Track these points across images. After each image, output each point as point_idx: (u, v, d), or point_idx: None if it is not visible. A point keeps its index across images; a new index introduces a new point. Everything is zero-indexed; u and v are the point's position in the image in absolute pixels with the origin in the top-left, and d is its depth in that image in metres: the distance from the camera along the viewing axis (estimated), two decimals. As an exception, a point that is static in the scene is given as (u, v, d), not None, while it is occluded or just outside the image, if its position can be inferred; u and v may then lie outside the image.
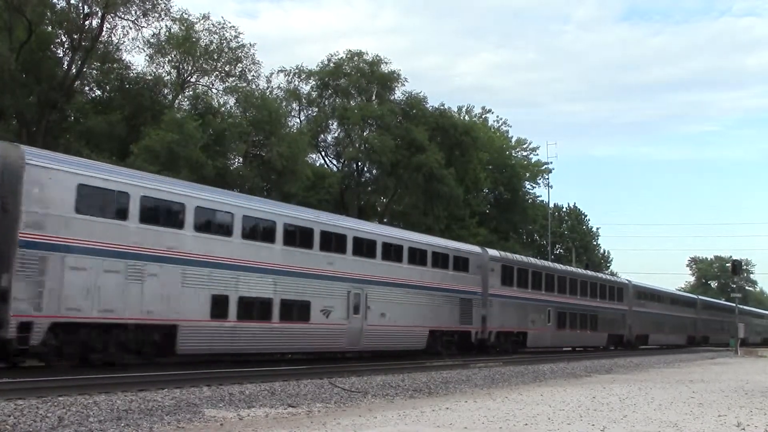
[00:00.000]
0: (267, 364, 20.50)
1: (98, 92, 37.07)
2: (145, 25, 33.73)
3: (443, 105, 50.32)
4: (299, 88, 46.57)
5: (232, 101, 37.74)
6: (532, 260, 35.93)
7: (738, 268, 57.91)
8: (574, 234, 77.57)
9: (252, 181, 34.71)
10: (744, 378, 20.30)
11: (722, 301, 76.22)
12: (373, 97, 47.21)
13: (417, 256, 25.48)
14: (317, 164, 47.83)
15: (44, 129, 31.64)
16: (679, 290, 75.85)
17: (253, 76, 39.22)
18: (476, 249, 30.38)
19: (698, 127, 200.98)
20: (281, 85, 45.20)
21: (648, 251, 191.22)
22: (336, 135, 47.33)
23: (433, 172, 43.95)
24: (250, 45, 38.39)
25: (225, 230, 18.52)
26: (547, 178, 66.81)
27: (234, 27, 38.10)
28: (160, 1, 33.17)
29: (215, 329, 17.97)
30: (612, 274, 67.61)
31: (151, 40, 36.37)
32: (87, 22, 32.45)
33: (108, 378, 14.01)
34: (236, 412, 10.48)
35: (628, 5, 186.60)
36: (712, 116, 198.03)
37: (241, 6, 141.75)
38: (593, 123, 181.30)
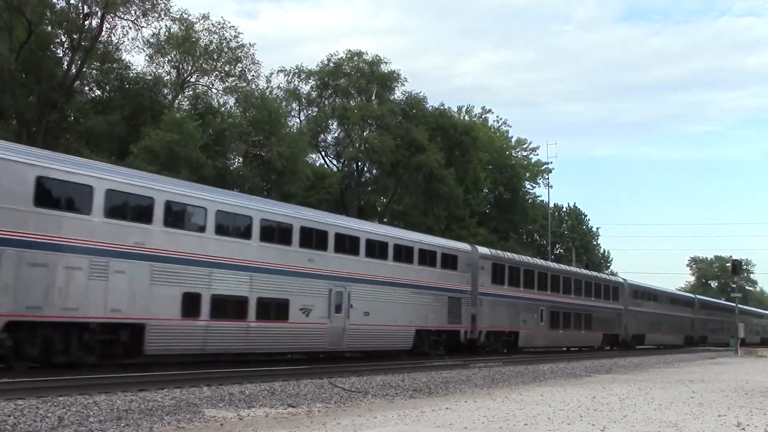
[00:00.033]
0: (267, 364, 20.51)
1: (98, 92, 37.15)
2: (145, 25, 33.83)
3: (443, 105, 50.45)
4: (299, 88, 46.66)
5: (232, 101, 37.84)
6: (524, 258, 35.19)
7: (738, 268, 57.87)
8: (574, 234, 77.59)
9: (252, 181, 34.72)
10: (744, 378, 20.30)
11: (720, 301, 76.05)
12: (373, 97, 47.23)
13: (403, 253, 24.77)
14: (317, 164, 47.90)
15: (44, 129, 31.67)
16: (679, 290, 75.79)
17: (253, 76, 39.34)
18: (465, 246, 29.66)
19: (698, 127, 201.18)
20: (281, 85, 45.33)
21: (648, 251, 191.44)
22: (336, 135, 47.43)
23: (433, 172, 43.96)
24: (250, 45, 38.52)
25: (197, 226, 17.82)
26: (547, 178, 66.93)
27: (234, 27, 38.23)
28: (160, 1, 33.25)
29: (186, 329, 17.27)
30: (612, 273, 67.54)
31: (151, 40, 36.47)
32: (87, 22, 32.52)
33: (108, 378, 14.01)
34: (236, 412, 10.48)
35: (628, 5, 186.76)
36: (712, 116, 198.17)
37: (241, 6, 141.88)
38: (593, 123, 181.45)
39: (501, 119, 66.51)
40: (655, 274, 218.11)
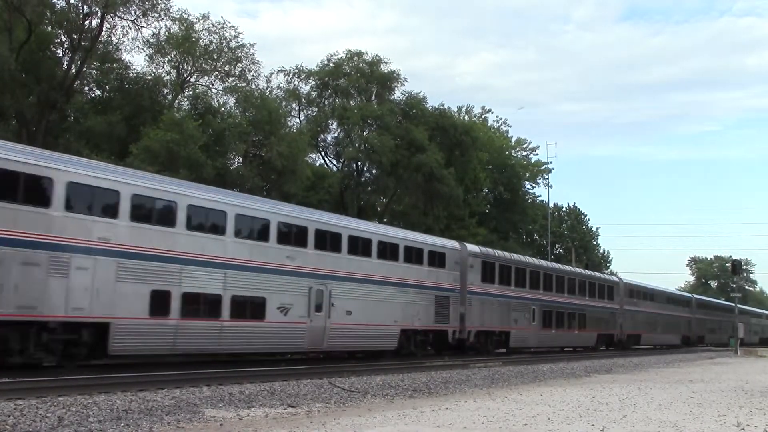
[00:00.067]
0: (267, 363, 20.52)
1: (98, 92, 37.13)
2: (145, 25, 33.80)
3: (443, 105, 50.50)
4: (299, 88, 46.64)
5: (231, 101, 37.83)
6: (515, 256, 34.33)
7: (738, 268, 57.84)
8: (574, 234, 77.63)
9: (252, 181, 34.71)
10: (744, 378, 20.31)
11: (718, 300, 75.81)
12: (373, 97, 47.24)
13: (387, 251, 24.04)
14: (317, 164, 47.89)
15: (44, 129, 31.67)
16: (679, 290, 75.69)
17: (253, 76, 39.33)
18: (454, 244, 28.92)
19: (698, 127, 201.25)
20: (281, 85, 45.32)
21: (648, 251, 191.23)
22: (336, 135, 47.40)
23: (433, 172, 43.95)
24: (250, 45, 38.49)
25: (167, 220, 17.13)
26: (547, 178, 66.94)
27: (234, 27, 38.22)
28: (160, 1, 33.21)
29: (155, 328, 16.54)
30: (612, 273, 67.53)
31: (151, 40, 36.43)
32: (87, 22, 32.50)
33: (108, 378, 14.02)
34: (236, 412, 10.48)
35: (628, 5, 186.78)
36: (712, 116, 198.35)
37: (241, 6, 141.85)
38: (593, 123, 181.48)
39: (501, 119, 66.63)
40: (655, 274, 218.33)
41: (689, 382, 18.04)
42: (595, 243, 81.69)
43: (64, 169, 15.14)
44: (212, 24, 37.63)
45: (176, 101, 37.40)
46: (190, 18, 37.19)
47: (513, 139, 66.56)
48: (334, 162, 49.10)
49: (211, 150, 32.32)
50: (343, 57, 46.25)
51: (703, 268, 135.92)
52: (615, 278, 46.38)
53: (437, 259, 26.64)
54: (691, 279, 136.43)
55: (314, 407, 11.37)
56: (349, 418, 9.92)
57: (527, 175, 65.63)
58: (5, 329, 14.22)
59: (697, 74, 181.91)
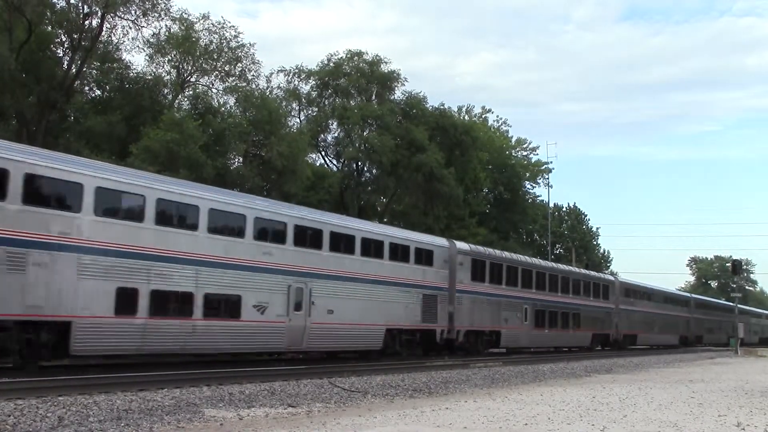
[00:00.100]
0: (267, 363, 20.53)
1: (98, 92, 37.17)
2: (145, 25, 33.82)
3: (443, 105, 50.52)
4: (299, 88, 46.67)
5: (232, 101, 37.86)
6: (506, 254, 33.28)
7: (738, 268, 57.70)
8: (574, 234, 77.65)
9: (252, 181, 34.73)
10: (744, 378, 20.30)
11: (717, 300, 75.45)
12: (373, 97, 47.26)
13: (372, 248, 23.24)
14: (317, 164, 47.93)
15: (44, 129, 31.68)
16: (679, 290, 75.60)
17: (253, 76, 39.37)
18: (442, 241, 28.15)
19: (698, 127, 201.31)
20: (281, 85, 45.35)
21: (648, 251, 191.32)
22: (336, 135, 47.43)
23: (433, 171, 43.96)
24: (250, 45, 38.54)
25: (134, 215, 16.35)
26: (547, 178, 66.99)
27: (234, 27, 38.26)
28: (160, 1, 33.24)
29: (120, 327, 15.74)
30: (612, 273, 67.49)
31: (151, 40, 36.46)
32: (87, 22, 32.51)
33: (108, 378, 14.02)
34: (236, 412, 10.48)
35: (628, 5, 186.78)
36: (712, 116, 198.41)
37: (241, 6, 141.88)
38: (593, 123, 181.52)
39: (501, 119, 66.72)
40: (655, 274, 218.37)
41: (689, 382, 18.03)
42: (595, 243, 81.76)
43: (21, 160, 14.46)
44: (212, 24, 37.73)
45: (176, 101, 37.42)
46: (190, 18, 37.30)
47: (513, 139, 66.69)
48: (334, 162, 49.18)
49: (211, 150, 32.34)
50: (343, 57, 46.32)
51: (703, 268, 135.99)
52: (610, 277, 45.72)
53: (424, 256, 25.90)
54: (692, 279, 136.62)
55: (314, 407, 11.37)
56: (350, 418, 9.92)
57: (527, 175, 65.67)
58: None
59: (697, 74, 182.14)
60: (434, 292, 26.07)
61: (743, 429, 9.67)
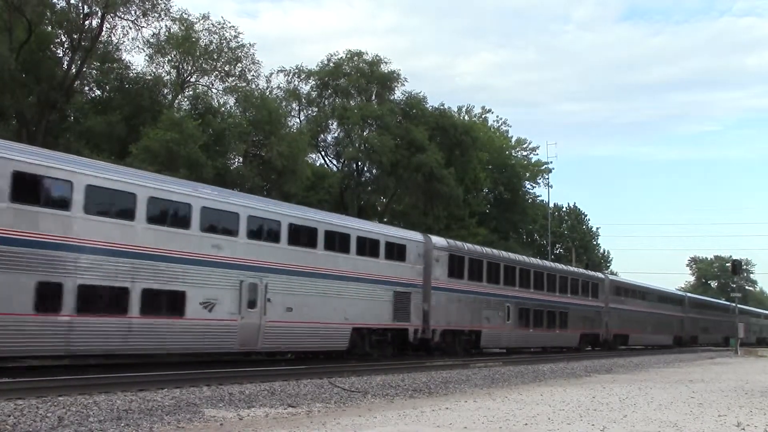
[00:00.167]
0: (267, 363, 20.53)
1: (98, 92, 37.18)
2: (145, 25, 33.85)
3: (443, 105, 50.60)
4: (299, 88, 46.73)
5: (231, 101, 37.90)
6: (487, 250, 31.76)
7: (738, 268, 57.57)
8: (574, 234, 77.68)
9: (252, 181, 34.75)
10: (744, 378, 20.31)
11: (713, 299, 74.78)
12: (373, 97, 47.29)
13: (337, 241, 21.91)
14: (317, 164, 47.97)
15: (44, 129, 31.69)
16: (679, 290, 75.41)
17: (253, 76, 39.39)
18: (416, 236, 26.69)
19: (698, 127, 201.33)
20: (281, 85, 45.41)
21: (648, 251, 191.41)
22: (336, 135, 47.48)
23: (433, 172, 43.98)
24: (250, 45, 38.56)
25: (59, 203, 14.91)
26: (547, 178, 67.02)
27: (234, 27, 38.28)
28: (160, 1, 33.27)
29: (41, 325, 14.37)
30: (612, 273, 67.41)
31: (151, 40, 36.48)
32: (87, 22, 32.54)
33: (108, 378, 14.02)
34: (236, 412, 10.48)
35: (628, 5, 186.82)
36: (712, 116, 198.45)
37: (241, 6, 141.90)
38: (593, 123, 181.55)
39: (501, 119, 66.76)
40: (655, 274, 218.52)
41: (689, 382, 18.04)
42: (595, 243, 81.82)
43: None
44: (212, 24, 37.75)
45: (176, 101, 37.44)
46: (190, 18, 37.32)
47: (513, 139, 66.75)
48: (334, 162, 49.22)
49: (211, 150, 32.35)
50: (343, 57, 46.36)
51: (703, 268, 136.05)
52: (600, 275, 44.44)
53: (396, 251, 24.53)
54: (692, 279, 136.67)
55: (314, 407, 11.37)
56: (350, 418, 9.92)
57: (527, 175, 65.71)
58: None
59: (697, 74, 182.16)
60: (407, 289, 24.80)
61: (743, 429, 9.67)
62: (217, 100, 37.36)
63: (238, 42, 38.06)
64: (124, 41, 34.64)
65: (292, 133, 39.60)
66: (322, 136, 47.24)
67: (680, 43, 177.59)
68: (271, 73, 44.43)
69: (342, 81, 46.13)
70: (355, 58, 46.36)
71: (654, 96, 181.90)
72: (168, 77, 37.98)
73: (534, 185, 67.22)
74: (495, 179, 58.26)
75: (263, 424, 9.23)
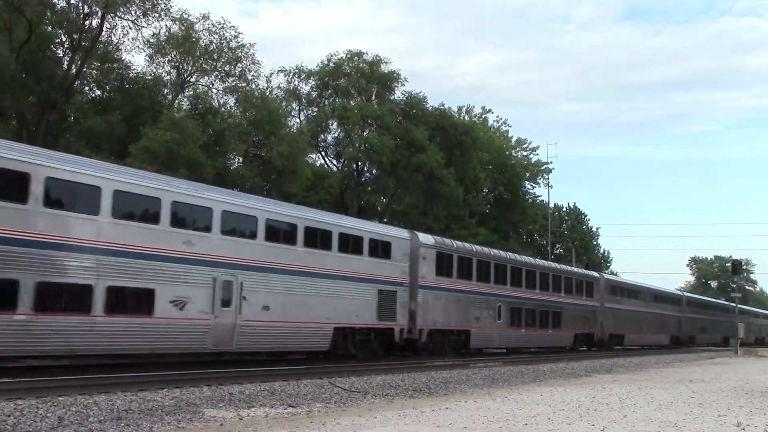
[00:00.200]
0: (267, 363, 20.52)
1: (98, 92, 37.24)
2: (145, 25, 33.89)
3: (443, 105, 50.61)
4: (299, 88, 46.75)
5: (232, 101, 37.92)
6: (477, 248, 30.85)
7: (738, 268, 57.46)
8: (574, 234, 77.67)
9: (252, 181, 34.76)
10: (744, 378, 20.31)
11: (711, 299, 74.53)
12: (373, 97, 47.30)
13: (318, 238, 21.14)
14: (317, 164, 47.99)
15: (44, 129, 31.71)
16: (679, 290, 75.34)
17: (253, 76, 39.45)
18: (402, 233, 25.98)
19: (698, 127, 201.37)
20: (281, 85, 45.44)
21: (648, 251, 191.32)
22: (336, 135, 47.50)
23: (433, 172, 43.98)
24: (250, 45, 38.61)
25: (16, 196, 14.17)
26: (547, 178, 67.05)
27: (234, 27, 38.35)
28: (160, 1, 33.32)
29: None
30: (612, 273, 67.41)
31: (151, 40, 36.51)
32: (87, 22, 32.57)
33: (108, 378, 14.02)
34: (236, 412, 10.48)
35: (628, 5, 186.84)
36: (712, 116, 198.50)
37: (241, 6, 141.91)
38: (593, 123, 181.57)
39: (501, 119, 66.80)
40: (655, 274, 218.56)
41: (689, 382, 18.03)
42: (595, 243, 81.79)
43: None
44: (212, 24, 37.81)
45: (176, 101, 37.46)
46: (190, 18, 37.38)
47: (513, 139, 66.78)
48: (334, 162, 49.23)
49: (211, 150, 32.36)
50: (343, 57, 46.38)
51: (703, 268, 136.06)
52: (595, 274, 43.87)
53: (381, 248, 23.79)
54: (692, 279, 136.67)
55: (314, 407, 11.37)
56: (350, 418, 9.92)
57: (527, 175, 65.73)
58: None
59: (697, 74, 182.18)
60: (392, 287, 23.99)
61: (743, 429, 9.67)
62: (217, 100, 37.43)
63: (238, 42, 38.17)
64: (124, 41, 34.77)
65: (292, 133, 39.61)
66: (322, 136, 47.28)
67: (680, 43, 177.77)
68: (271, 73, 44.56)
69: (342, 81, 46.15)
70: (355, 58, 46.39)
71: (654, 96, 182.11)
72: (168, 77, 38.04)
73: (534, 185, 67.37)
74: (495, 179, 58.27)
75: (263, 424, 9.23)
